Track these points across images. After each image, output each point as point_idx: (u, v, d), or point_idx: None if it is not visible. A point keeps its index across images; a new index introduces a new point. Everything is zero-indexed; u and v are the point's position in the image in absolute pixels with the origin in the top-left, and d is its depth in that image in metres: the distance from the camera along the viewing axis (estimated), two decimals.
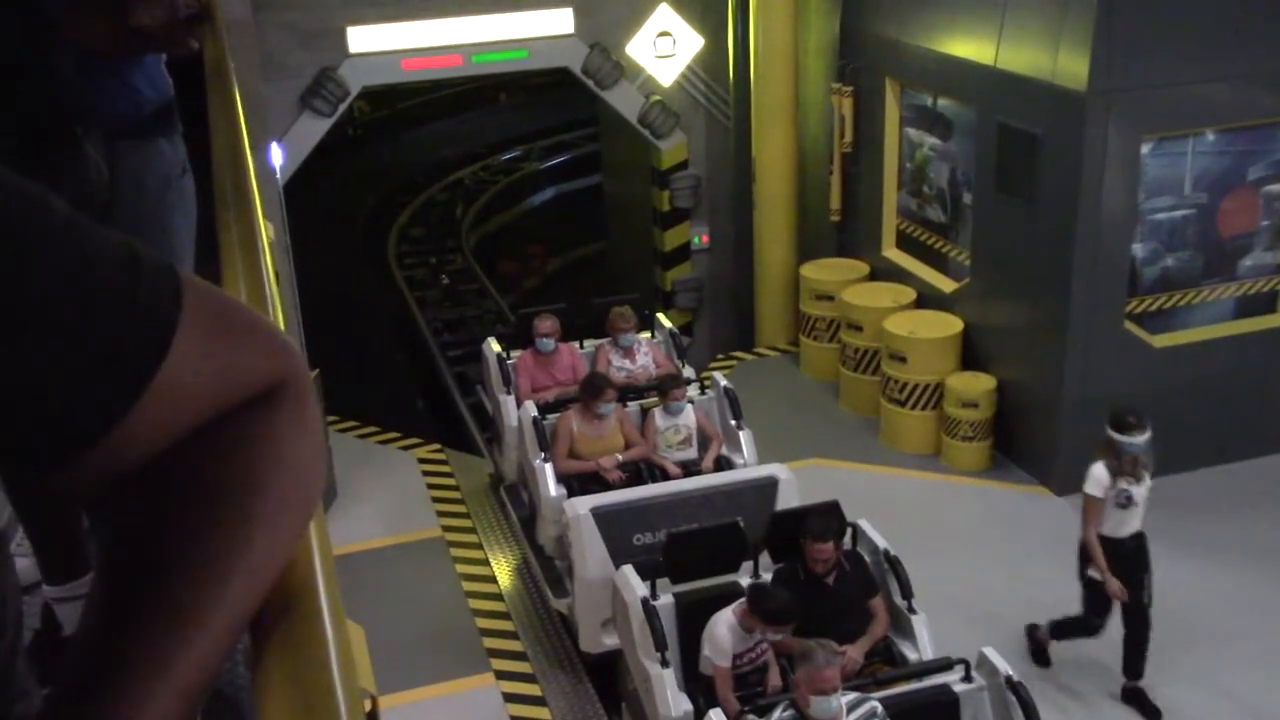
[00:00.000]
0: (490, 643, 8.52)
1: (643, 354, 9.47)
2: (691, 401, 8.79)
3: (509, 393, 9.36)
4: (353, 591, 8.29)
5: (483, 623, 8.73)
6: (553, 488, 8.30)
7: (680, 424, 8.59)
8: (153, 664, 0.77)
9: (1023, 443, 10.19)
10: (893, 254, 11.90)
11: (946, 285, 11.14)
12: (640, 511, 7.72)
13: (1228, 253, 10.18)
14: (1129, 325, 9.71)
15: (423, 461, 11.08)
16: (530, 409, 8.74)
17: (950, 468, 10.40)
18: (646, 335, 9.84)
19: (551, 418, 8.72)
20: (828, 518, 6.88)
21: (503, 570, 9.47)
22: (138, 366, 0.80)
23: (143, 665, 0.77)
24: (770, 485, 7.90)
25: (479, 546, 9.74)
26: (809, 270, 12.24)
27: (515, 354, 9.68)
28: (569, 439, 8.45)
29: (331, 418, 11.13)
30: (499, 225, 21.88)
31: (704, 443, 8.69)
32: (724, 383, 9.09)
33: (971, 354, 10.59)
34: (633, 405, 8.93)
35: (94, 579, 0.85)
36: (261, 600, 0.85)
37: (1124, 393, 9.57)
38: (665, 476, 8.34)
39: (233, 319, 0.89)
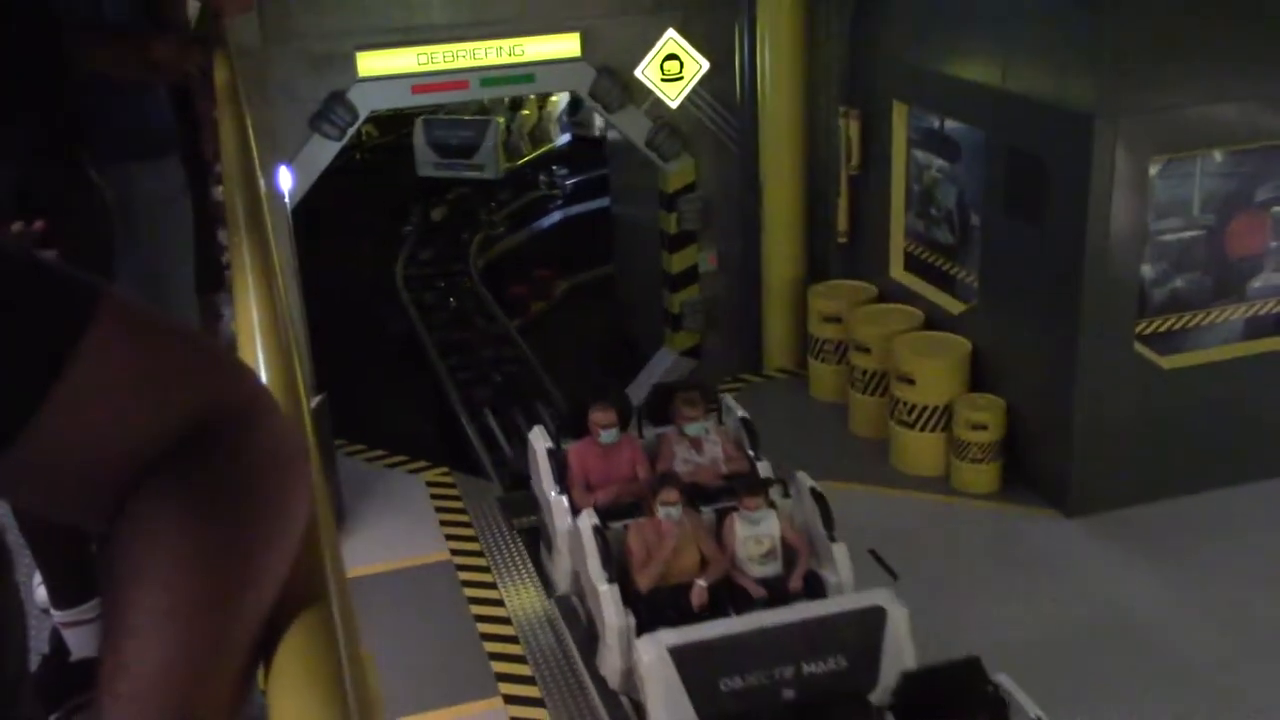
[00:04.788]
0: (498, 666, 8.48)
1: (711, 444, 8.36)
2: (773, 506, 7.63)
3: (561, 491, 8.23)
4: (360, 615, 8.25)
5: (490, 646, 8.70)
6: (620, 616, 7.16)
7: (763, 534, 7.45)
8: (172, 699, 0.78)
9: (1032, 465, 10.15)
10: (901, 276, 11.89)
11: (955, 307, 11.12)
12: (727, 650, 6.61)
13: (1237, 274, 10.17)
14: (1138, 346, 9.68)
15: (431, 485, 11.06)
16: (589, 519, 7.54)
17: (959, 490, 10.36)
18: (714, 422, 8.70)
19: (615, 526, 7.59)
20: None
21: (510, 594, 9.44)
22: (27, 384, 0.81)
23: (164, 696, 0.78)
24: (876, 616, 6.81)
25: (487, 570, 9.71)
26: (817, 292, 12.24)
27: (566, 443, 8.59)
28: (643, 556, 7.33)
29: (339, 441, 11.12)
30: (507, 249, 21.90)
31: (789, 556, 7.58)
32: (810, 484, 7.84)
33: (980, 376, 10.56)
34: (706, 510, 7.79)
35: (104, 608, 0.85)
36: (265, 614, 0.85)
37: (1133, 414, 9.56)
38: (746, 598, 7.27)
39: (163, 340, 0.89)
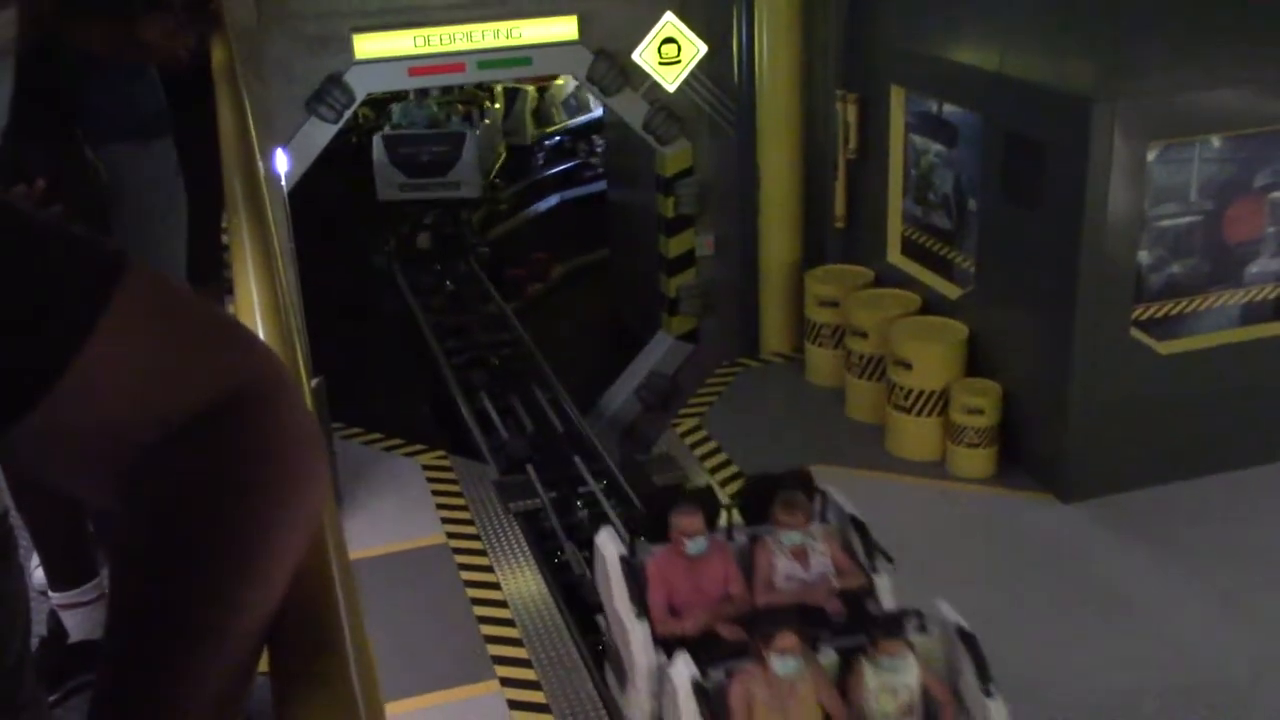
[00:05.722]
0: (494, 649, 8.50)
1: (818, 555, 6.90)
2: (909, 645, 6.14)
3: (640, 615, 6.66)
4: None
5: (487, 629, 8.72)
6: None
7: (899, 684, 6.02)
8: (174, 684, 0.77)
9: (1029, 449, 10.16)
10: (898, 260, 11.89)
11: (952, 291, 11.12)
12: None
13: (1234, 259, 10.16)
14: (1135, 332, 9.69)
15: (427, 468, 11.07)
16: (686, 669, 6.13)
17: (956, 474, 10.38)
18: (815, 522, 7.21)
19: (715, 674, 6.23)
20: None
21: (507, 577, 9.45)
22: (53, 350, 0.80)
23: (166, 689, 0.77)
24: None
25: (483, 553, 9.73)
26: (814, 276, 12.23)
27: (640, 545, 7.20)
28: (745, 715, 5.99)
29: (336, 424, 11.12)
30: (504, 232, 21.85)
31: (931, 711, 6.17)
32: (956, 620, 6.39)
33: (977, 360, 10.57)
34: (824, 645, 6.41)
35: (109, 603, 0.85)
36: (276, 601, 0.84)
37: (1130, 399, 9.58)
38: None
39: (186, 315, 0.88)
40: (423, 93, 19.97)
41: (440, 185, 19.51)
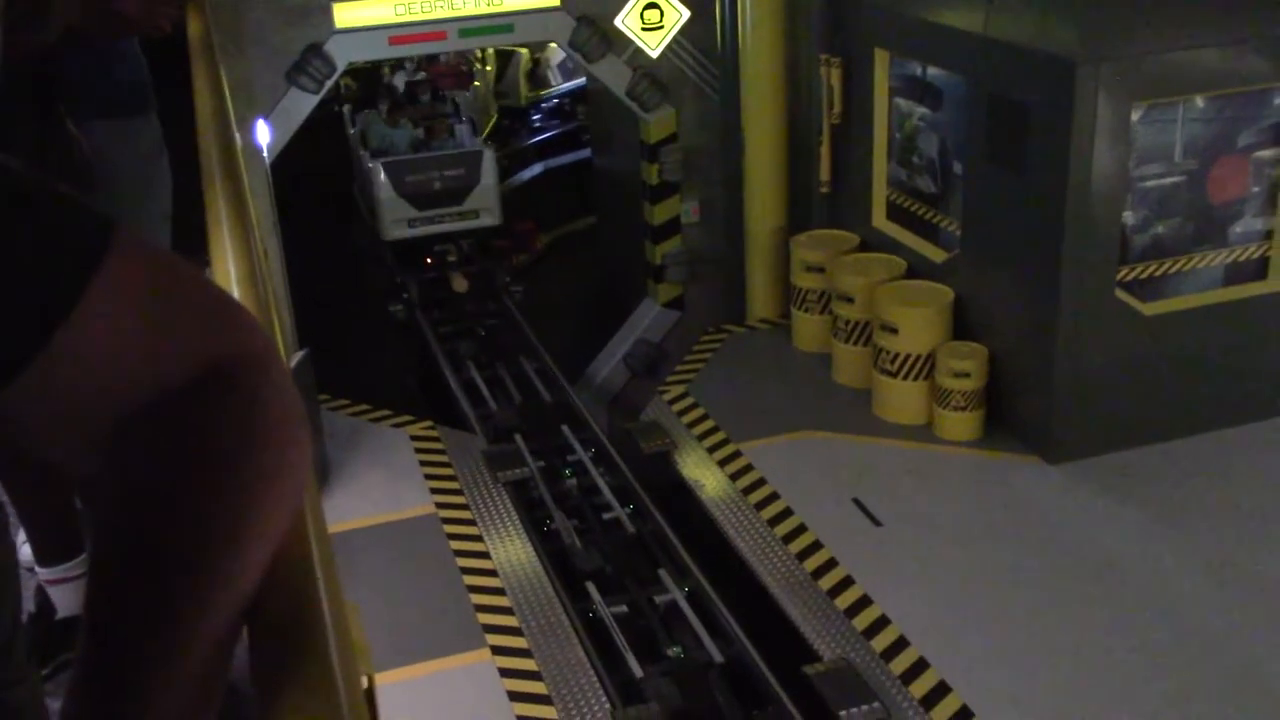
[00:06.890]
0: (485, 618, 8.54)
1: None
2: None
3: None
4: (346, 570, 8.29)
5: (477, 598, 8.76)
6: None
7: None
8: (155, 656, 0.77)
9: (1014, 412, 10.20)
10: (883, 225, 11.89)
11: (937, 255, 11.13)
12: None
13: (1218, 220, 10.19)
14: (1119, 293, 9.72)
15: (415, 439, 11.07)
16: None
17: (942, 438, 10.42)
18: None
19: None
20: None
21: (496, 546, 9.48)
22: (44, 311, 0.80)
23: (147, 661, 0.77)
24: None
25: (472, 523, 9.75)
26: (799, 242, 12.23)
27: None
28: None
29: (322, 396, 11.11)
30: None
31: None
32: None
33: (962, 324, 10.59)
34: None
35: (89, 575, 0.85)
36: (258, 575, 0.84)
37: (1115, 360, 9.62)
38: None
39: (176, 283, 0.88)
40: (394, 105, 19.35)
41: (456, 215, 17.05)
